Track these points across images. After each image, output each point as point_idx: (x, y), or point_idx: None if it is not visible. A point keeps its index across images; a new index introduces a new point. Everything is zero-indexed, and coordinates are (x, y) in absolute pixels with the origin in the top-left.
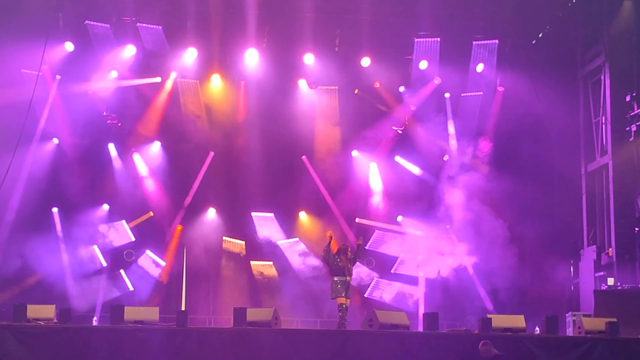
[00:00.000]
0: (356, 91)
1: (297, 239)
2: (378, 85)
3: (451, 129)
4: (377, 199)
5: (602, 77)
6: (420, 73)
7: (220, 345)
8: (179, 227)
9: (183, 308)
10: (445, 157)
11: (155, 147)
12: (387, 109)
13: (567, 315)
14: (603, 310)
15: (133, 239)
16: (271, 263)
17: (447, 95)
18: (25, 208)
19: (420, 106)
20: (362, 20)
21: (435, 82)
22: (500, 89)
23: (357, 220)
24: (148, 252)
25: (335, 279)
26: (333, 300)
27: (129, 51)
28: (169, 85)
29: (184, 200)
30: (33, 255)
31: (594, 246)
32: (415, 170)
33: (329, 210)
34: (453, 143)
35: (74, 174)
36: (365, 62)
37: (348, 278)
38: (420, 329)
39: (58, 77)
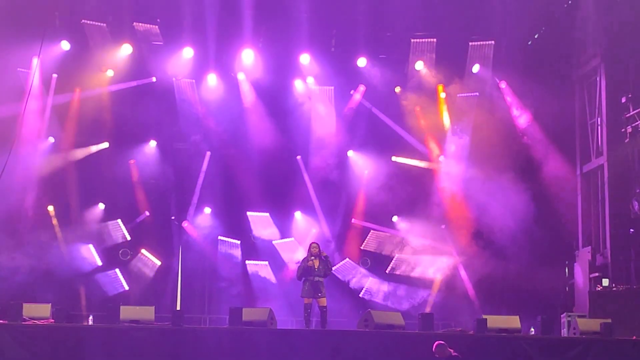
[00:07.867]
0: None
1: (292, 238)
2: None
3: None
4: (372, 200)
5: (598, 79)
6: (417, 74)
7: (216, 345)
8: (186, 224)
9: (179, 307)
10: (441, 158)
11: (151, 146)
12: None
13: (562, 316)
14: (598, 311)
15: (129, 238)
16: (266, 263)
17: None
18: (21, 206)
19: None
20: (358, 20)
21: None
22: (503, 85)
23: (352, 221)
24: (143, 251)
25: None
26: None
27: (125, 50)
28: (164, 84)
29: (180, 199)
30: (29, 254)
31: (589, 247)
32: (411, 170)
33: (325, 210)
34: (449, 142)
35: (70, 172)
36: (362, 62)
37: (317, 278)
38: (416, 329)
39: (54, 75)
